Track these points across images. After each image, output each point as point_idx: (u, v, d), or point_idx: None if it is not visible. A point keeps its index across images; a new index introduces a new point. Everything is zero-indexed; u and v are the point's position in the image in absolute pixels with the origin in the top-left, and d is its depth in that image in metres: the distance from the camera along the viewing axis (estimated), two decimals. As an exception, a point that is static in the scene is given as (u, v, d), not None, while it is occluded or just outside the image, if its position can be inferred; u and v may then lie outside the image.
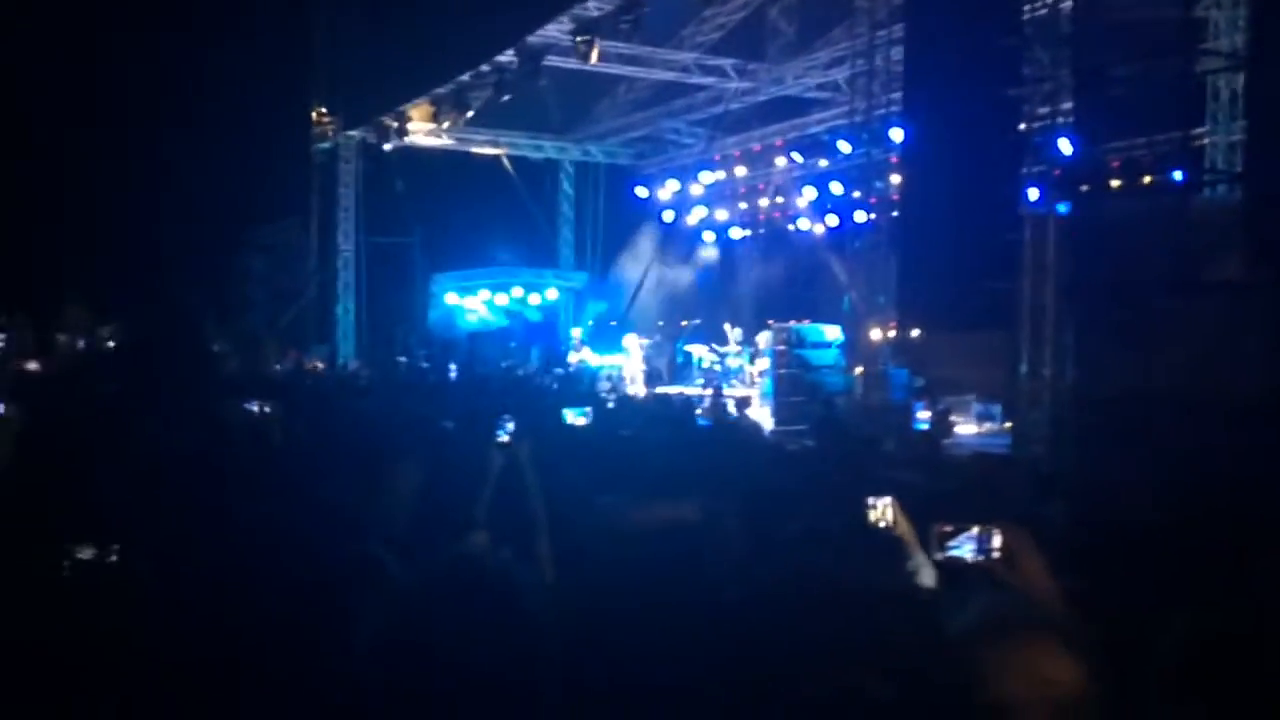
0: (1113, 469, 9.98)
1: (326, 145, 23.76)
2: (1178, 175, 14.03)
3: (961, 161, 13.38)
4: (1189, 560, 4.39)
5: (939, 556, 3.18)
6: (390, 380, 17.04)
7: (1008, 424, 15.18)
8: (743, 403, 18.13)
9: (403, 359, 22.00)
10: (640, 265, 24.57)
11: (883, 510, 3.42)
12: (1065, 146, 14.12)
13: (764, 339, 19.43)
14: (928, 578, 3.24)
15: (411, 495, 4.37)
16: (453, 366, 20.49)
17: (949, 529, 3.17)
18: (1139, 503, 5.95)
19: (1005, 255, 13.40)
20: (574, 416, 7.50)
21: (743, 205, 23.89)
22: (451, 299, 24.64)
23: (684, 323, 22.59)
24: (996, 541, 3.17)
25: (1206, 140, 15.14)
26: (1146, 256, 12.45)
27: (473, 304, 24.70)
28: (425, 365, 21.16)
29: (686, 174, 23.29)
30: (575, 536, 2.99)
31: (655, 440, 6.96)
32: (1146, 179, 14.43)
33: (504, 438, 4.78)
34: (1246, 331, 10.31)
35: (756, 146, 21.93)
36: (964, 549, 3.16)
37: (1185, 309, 11.59)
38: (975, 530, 3.16)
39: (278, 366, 17.60)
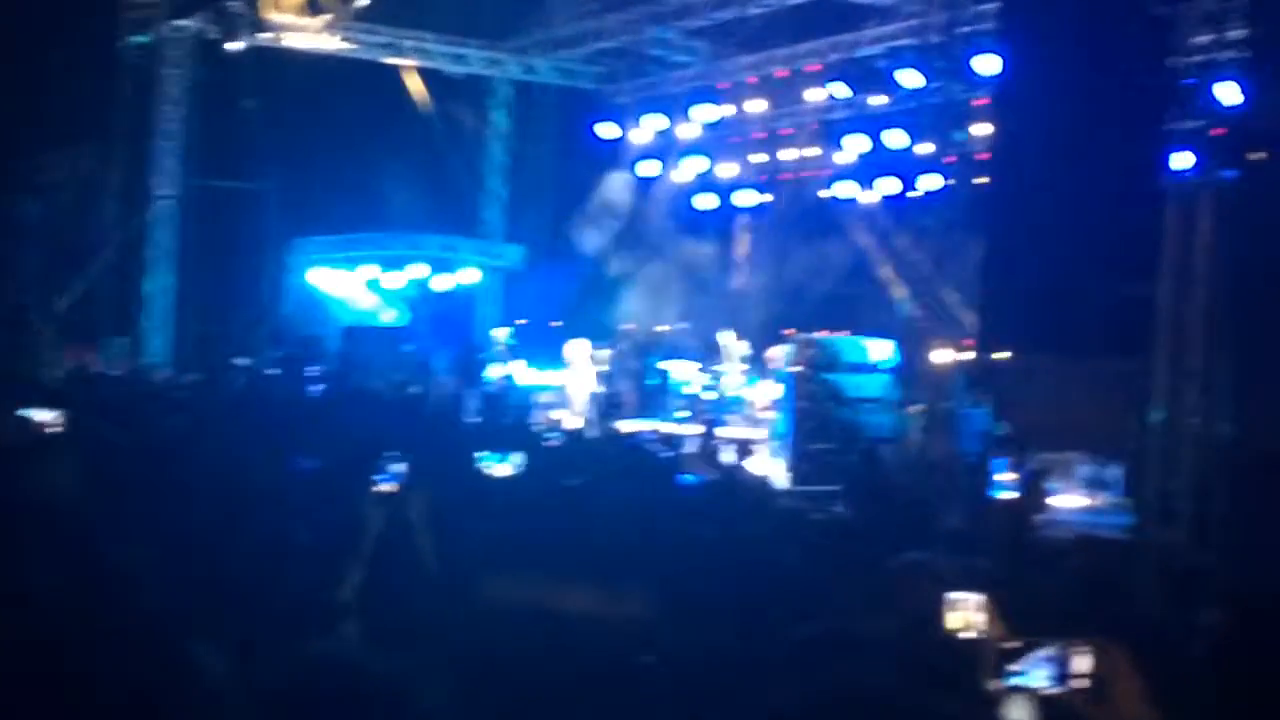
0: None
1: (143, 39, 23.69)
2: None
3: (1080, 108, 13.73)
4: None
5: (993, 686, 3.25)
6: (222, 395, 16.98)
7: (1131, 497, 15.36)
8: (743, 448, 18.22)
9: (243, 362, 21.92)
10: (603, 239, 24.70)
11: (969, 612, 3.49)
12: (1231, 93, 14.41)
13: (778, 355, 19.47)
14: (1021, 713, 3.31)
15: (250, 568, 4.42)
16: (316, 377, 20.43)
17: (1012, 645, 3.24)
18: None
19: (1138, 247, 13.57)
20: (496, 465, 7.75)
21: (758, 158, 23.94)
22: (319, 277, 24.60)
23: (661, 328, 22.64)
24: (1081, 665, 3.24)
25: None
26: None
27: (350, 285, 24.66)
28: (275, 373, 21.10)
29: (676, 108, 23.27)
30: (487, 634, 3.02)
31: (613, 501, 6.98)
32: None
33: (388, 486, 5.03)
34: None
35: (782, 72, 22.02)
36: (1033, 675, 3.24)
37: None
38: (1050, 649, 3.25)
39: (54, 372, 17.50)
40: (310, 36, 22.92)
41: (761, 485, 13.27)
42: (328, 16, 21.26)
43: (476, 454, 8.28)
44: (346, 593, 4.45)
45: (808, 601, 3.57)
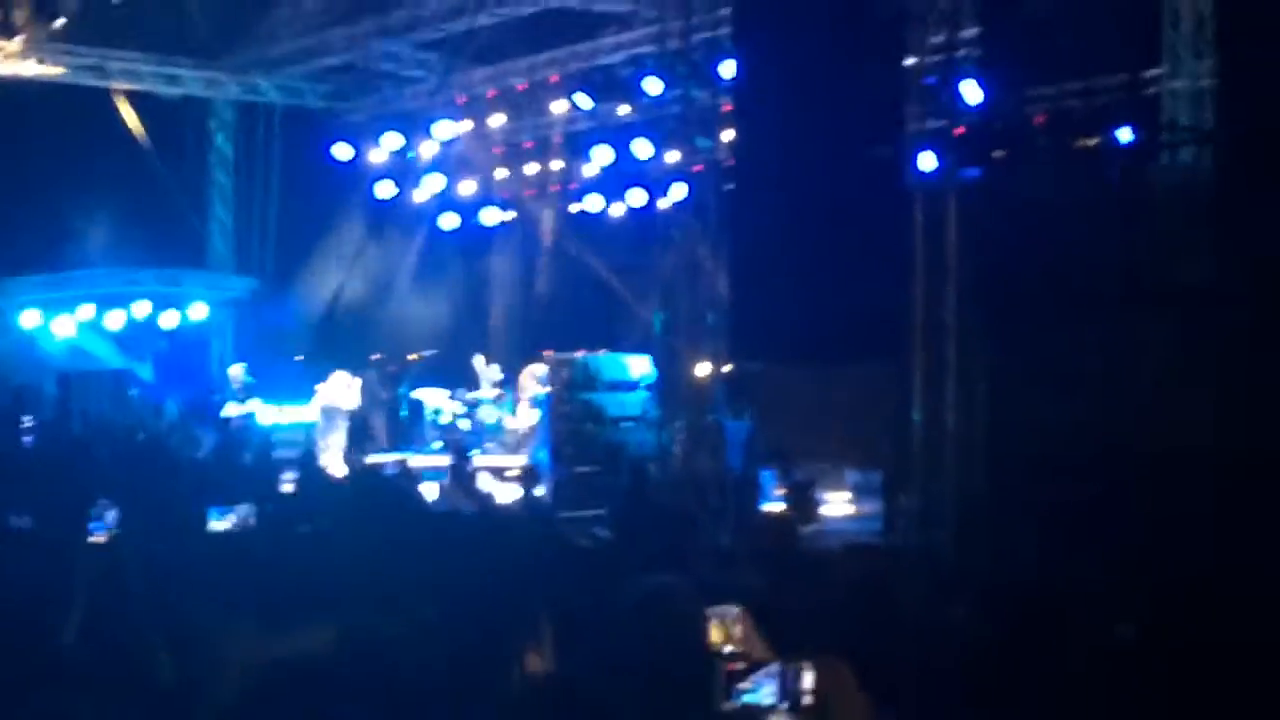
0: (1048, 562, 10.48)
1: None
2: (1125, 134, 14.97)
3: (819, 111, 13.76)
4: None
5: (727, 706, 3.26)
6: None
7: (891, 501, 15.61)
8: (500, 475, 18.25)
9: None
10: (339, 267, 24.49)
11: (728, 627, 3.51)
12: (970, 92, 14.86)
13: (533, 377, 19.69)
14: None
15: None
16: (30, 428, 19.61)
17: (739, 666, 3.23)
18: (1085, 614, 6.16)
19: (887, 249, 13.76)
20: (221, 522, 7.67)
21: (500, 174, 24.08)
22: (30, 319, 23.63)
23: (411, 356, 22.60)
24: (806, 682, 3.29)
25: (1164, 85, 16.02)
26: (1086, 252, 13.10)
27: (65, 327, 23.79)
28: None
29: (413, 125, 23.11)
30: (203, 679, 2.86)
31: (356, 541, 6.99)
32: (1083, 140, 15.17)
33: (101, 536, 4.98)
34: (1227, 358, 10.96)
35: (521, 84, 22.06)
36: (762, 693, 3.26)
37: (1140, 327, 12.26)
38: (776, 667, 3.28)
39: None
40: (9, 59, 21.99)
41: (518, 512, 13.17)
42: (21, 38, 20.32)
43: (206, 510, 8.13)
44: (55, 650, 4.29)
45: (563, 629, 3.46)
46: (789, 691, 3.29)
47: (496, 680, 2.79)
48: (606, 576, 6.28)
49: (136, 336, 24.26)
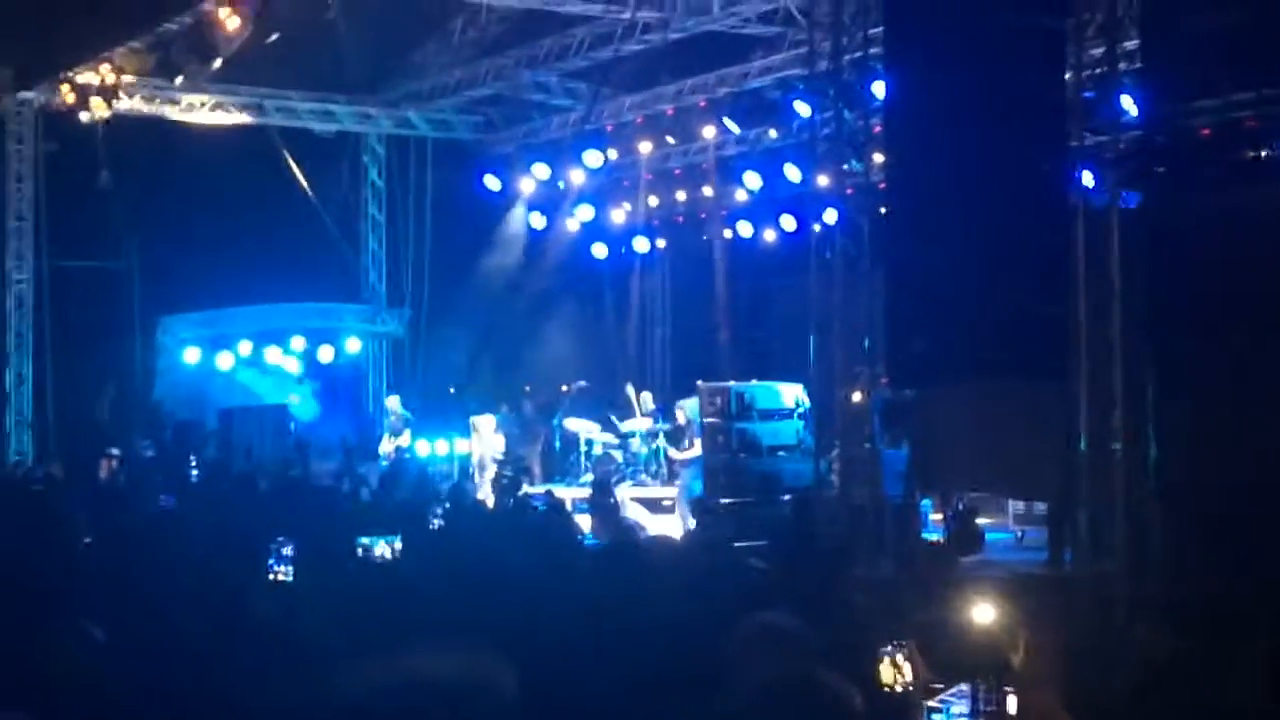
0: (1227, 585, 10.37)
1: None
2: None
3: (976, 127, 13.64)
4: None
5: None
6: (93, 486, 16.87)
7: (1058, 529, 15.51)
8: (654, 507, 18.37)
9: (114, 452, 21.49)
10: (491, 298, 24.79)
11: (897, 664, 3.52)
12: (1131, 106, 14.67)
13: (688, 409, 19.64)
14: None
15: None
16: (196, 465, 20.18)
17: (937, 685, 3.24)
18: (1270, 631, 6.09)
19: (1048, 269, 13.61)
20: (379, 546, 7.87)
21: (651, 201, 24.28)
22: (192, 356, 24.36)
23: (564, 387, 22.77)
24: (1010, 707, 3.28)
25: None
26: (1258, 271, 12.95)
27: (226, 362, 24.48)
28: (149, 455, 20.84)
29: (561, 154, 23.48)
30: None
31: (505, 572, 7.11)
32: (1252, 153, 14.96)
33: (281, 572, 5.04)
34: None
35: (669, 110, 22.26)
36: (953, 712, 3.23)
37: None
38: (973, 686, 3.30)
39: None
40: (165, 103, 22.73)
41: (669, 545, 13.20)
42: (181, 79, 20.97)
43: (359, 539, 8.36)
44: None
45: (705, 665, 3.54)
46: (988, 714, 3.29)
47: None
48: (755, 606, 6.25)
49: (291, 372, 24.89)
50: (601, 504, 15.49)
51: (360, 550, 8.22)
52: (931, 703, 3.36)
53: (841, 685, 2.89)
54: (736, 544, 14.67)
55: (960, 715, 3.35)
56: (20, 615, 4.91)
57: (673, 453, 20.32)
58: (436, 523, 11.97)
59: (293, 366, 24.77)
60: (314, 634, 5.36)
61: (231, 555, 7.69)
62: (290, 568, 7.31)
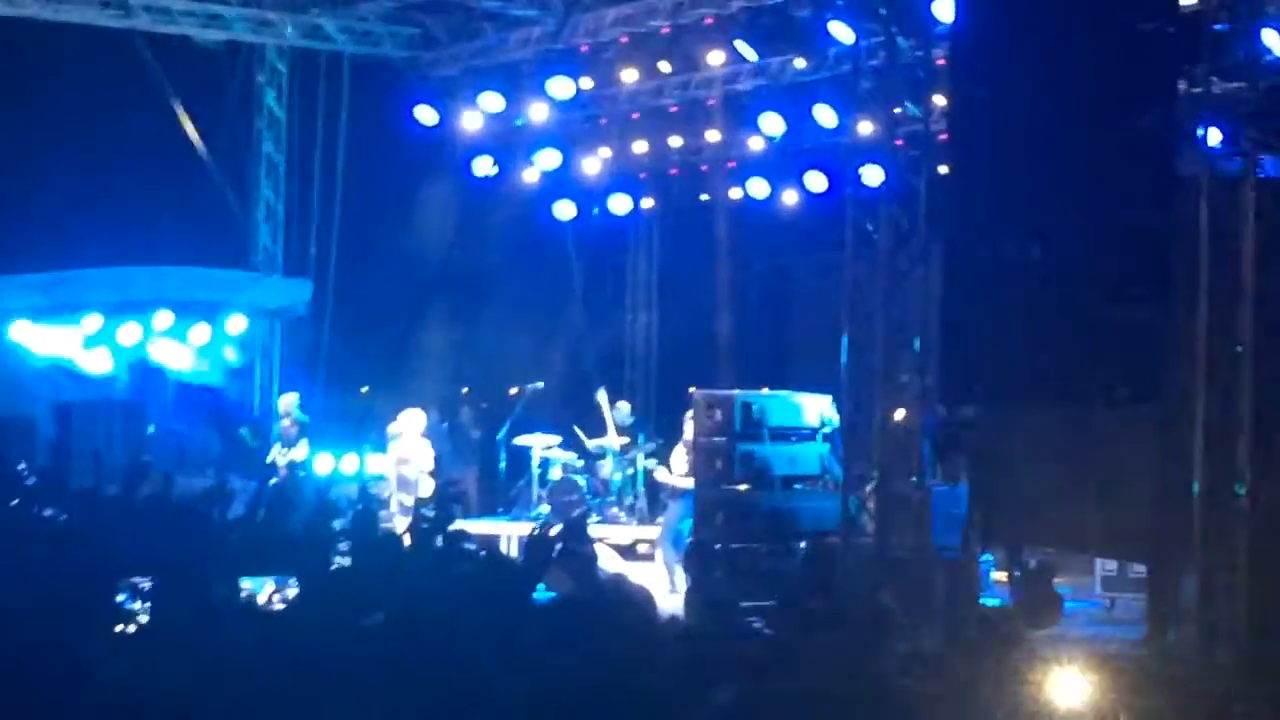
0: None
1: None
2: None
3: (1067, 66, 13.71)
4: None
5: None
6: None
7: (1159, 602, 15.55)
8: (628, 552, 18.57)
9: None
10: (421, 270, 24.83)
11: None
12: (1276, 43, 14.63)
13: (689, 424, 19.58)
14: None
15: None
16: (18, 475, 19.97)
17: None
18: None
19: (1156, 255, 13.59)
20: (264, 589, 7.93)
21: (636, 148, 24.12)
22: (20, 332, 24.19)
23: (512, 390, 22.78)
24: None
25: None
26: None
27: (66, 343, 24.26)
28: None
29: (519, 81, 23.23)
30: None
31: (431, 638, 7.23)
32: None
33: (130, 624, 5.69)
34: None
35: (665, 27, 22.00)
36: None
37: None
38: None
39: None
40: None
41: (649, 603, 13.12)
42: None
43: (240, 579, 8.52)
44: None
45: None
46: None
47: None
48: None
49: (147, 362, 24.55)
50: (573, 553, 15.39)
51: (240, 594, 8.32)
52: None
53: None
54: (733, 603, 14.79)
55: None
56: None
57: (662, 475, 20.32)
58: (340, 560, 12.00)
59: (168, 352, 24.57)
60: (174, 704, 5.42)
61: (66, 596, 7.62)
62: (144, 614, 7.38)
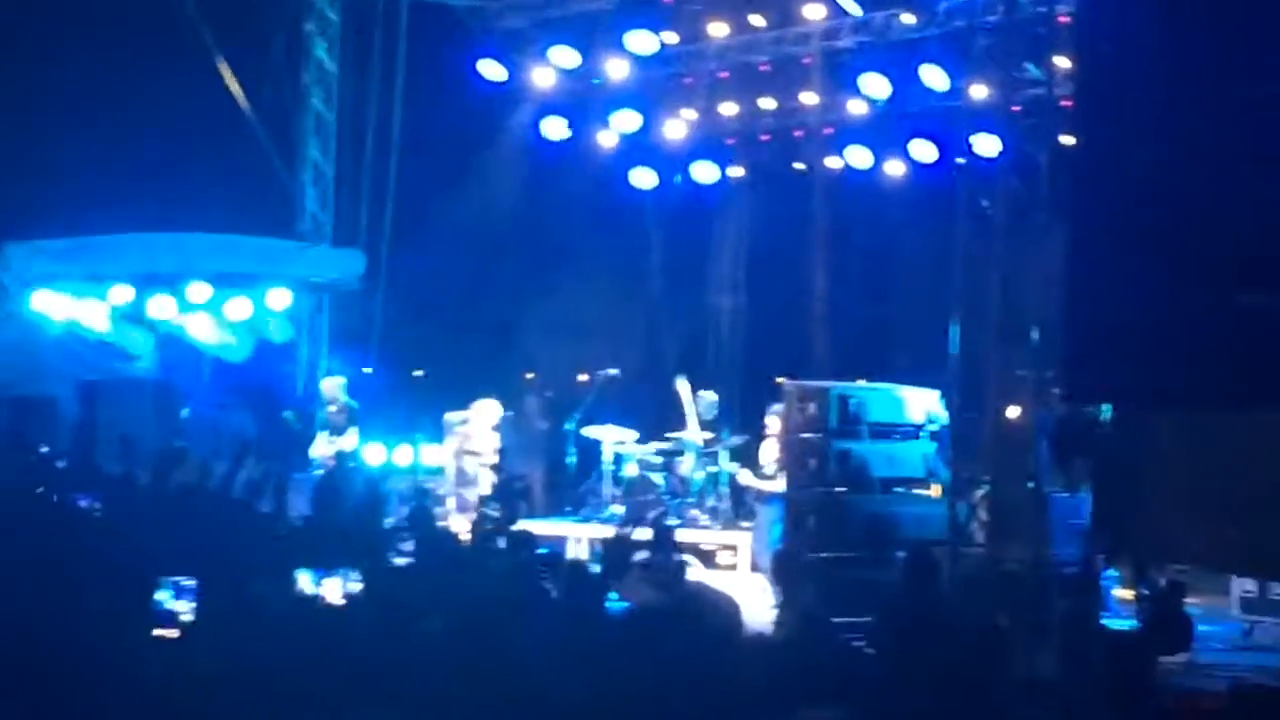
0: None
1: None
2: None
3: (1215, 24, 13.51)
4: None
5: None
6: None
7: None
8: (709, 559, 18.55)
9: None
10: (485, 242, 25.04)
11: None
12: None
13: (771, 419, 19.70)
14: None
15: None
16: (43, 458, 19.92)
17: None
18: None
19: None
20: (324, 584, 8.51)
21: (724, 110, 24.33)
22: (43, 303, 24.18)
23: (582, 376, 23.11)
24: None
25: None
26: None
27: (92, 315, 24.29)
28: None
29: (595, 35, 23.30)
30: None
31: (490, 648, 7.44)
32: None
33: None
34: None
35: (755, -18, 22.45)
36: None
37: None
38: None
39: None
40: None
41: (735, 614, 13.12)
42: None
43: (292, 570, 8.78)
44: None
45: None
46: None
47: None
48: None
49: (182, 337, 24.69)
50: (658, 563, 15.23)
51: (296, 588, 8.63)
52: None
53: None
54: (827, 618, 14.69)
55: None
56: None
57: (746, 478, 20.35)
58: (401, 558, 12.26)
59: (203, 327, 24.53)
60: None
61: (101, 594, 7.80)
62: (188, 614, 7.71)
